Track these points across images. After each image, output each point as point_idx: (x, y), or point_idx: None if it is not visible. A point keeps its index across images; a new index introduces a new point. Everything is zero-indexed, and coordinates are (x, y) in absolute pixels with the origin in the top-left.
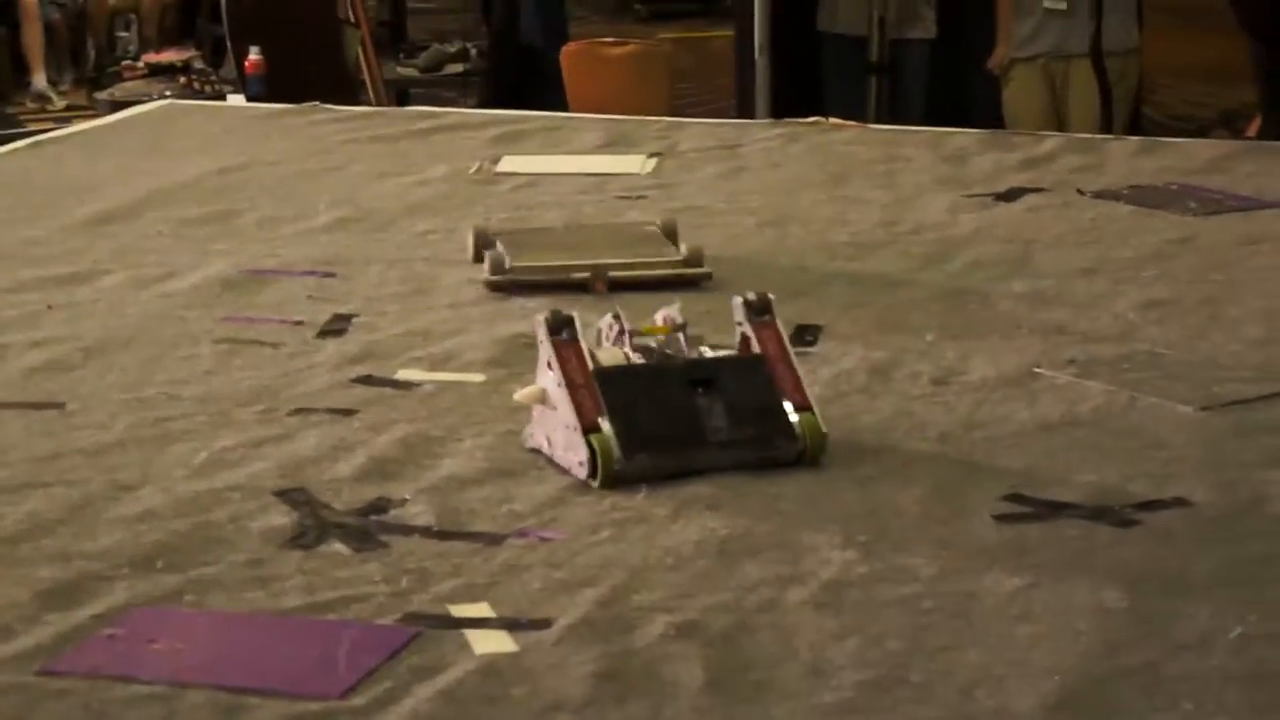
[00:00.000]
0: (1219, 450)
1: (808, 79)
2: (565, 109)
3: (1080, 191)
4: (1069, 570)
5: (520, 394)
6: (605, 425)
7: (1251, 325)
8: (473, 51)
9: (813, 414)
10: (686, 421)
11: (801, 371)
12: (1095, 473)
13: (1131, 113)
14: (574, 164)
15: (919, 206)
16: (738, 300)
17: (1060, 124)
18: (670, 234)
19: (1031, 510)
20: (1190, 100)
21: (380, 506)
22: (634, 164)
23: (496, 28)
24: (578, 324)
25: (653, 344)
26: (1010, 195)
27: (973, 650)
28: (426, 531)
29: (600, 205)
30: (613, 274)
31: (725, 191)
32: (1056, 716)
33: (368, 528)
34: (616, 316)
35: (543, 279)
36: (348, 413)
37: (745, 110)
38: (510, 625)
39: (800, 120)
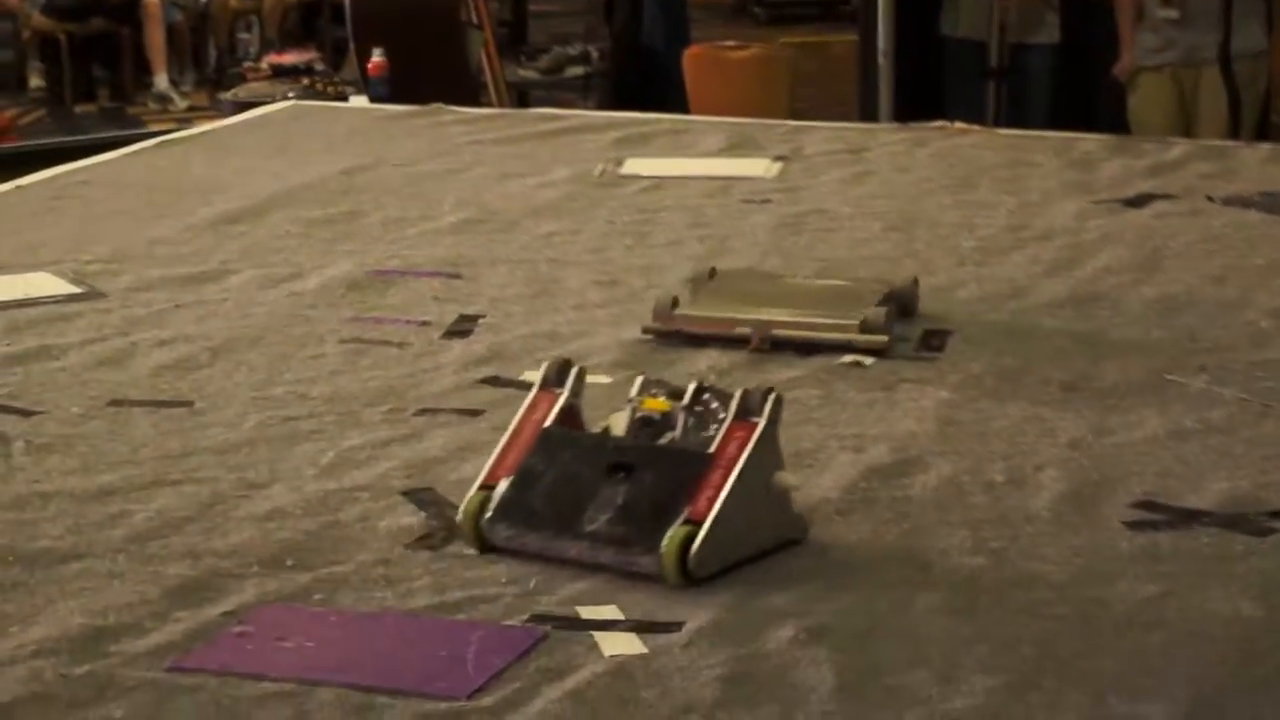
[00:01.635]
0: None
1: (929, 84)
2: (687, 112)
3: (1210, 198)
4: (1202, 578)
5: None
6: (503, 484)
7: None
8: (594, 54)
9: (694, 530)
10: (571, 505)
11: (731, 484)
12: (1228, 480)
13: (1261, 118)
14: (698, 167)
15: (1046, 211)
16: (739, 390)
17: (1188, 131)
18: (902, 298)
19: (1164, 518)
20: None
21: None
22: (759, 167)
23: (618, 30)
24: (572, 376)
25: (650, 416)
26: (1138, 201)
27: (1105, 657)
28: None
29: (724, 209)
30: (777, 333)
31: (851, 196)
32: None
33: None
34: (646, 382)
35: (702, 331)
36: (474, 413)
37: (868, 114)
38: (639, 627)
39: (926, 124)
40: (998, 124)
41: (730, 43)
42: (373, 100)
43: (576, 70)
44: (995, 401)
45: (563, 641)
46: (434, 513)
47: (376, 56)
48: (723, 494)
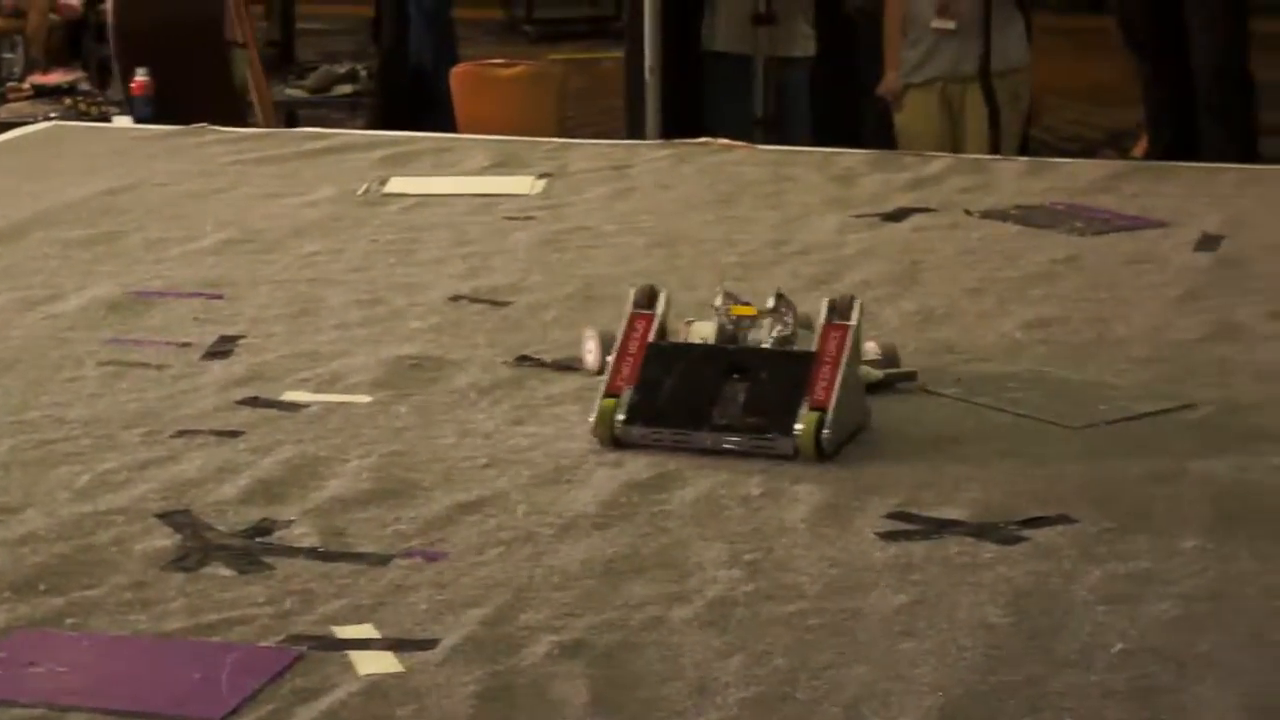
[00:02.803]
0: (1103, 468)
1: (699, 99)
2: (455, 130)
3: (968, 212)
4: (953, 587)
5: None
6: (626, 393)
7: (1137, 344)
8: (362, 73)
9: (823, 414)
10: (700, 403)
11: (842, 374)
12: (980, 490)
13: (1022, 133)
14: (462, 185)
15: (807, 226)
16: (826, 300)
17: (955, 146)
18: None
19: (916, 528)
20: (1078, 121)
21: (265, 528)
22: (523, 185)
23: (385, 49)
24: (662, 299)
25: (736, 323)
26: (898, 215)
27: (858, 666)
28: (311, 553)
29: (488, 226)
30: None
31: (614, 212)
32: None
33: (251, 550)
34: (728, 294)
35: None
36: (233, 434)
37: (635, 131)
38: (395, 646)
39: (689, 141)
40: (760, 140)
41: (498, 60)
42: (136, 120)
43: (344, 89)
44: None
45: (318, 662)
46: (189, 534)
47: (140, 76)
48: (837, 383)
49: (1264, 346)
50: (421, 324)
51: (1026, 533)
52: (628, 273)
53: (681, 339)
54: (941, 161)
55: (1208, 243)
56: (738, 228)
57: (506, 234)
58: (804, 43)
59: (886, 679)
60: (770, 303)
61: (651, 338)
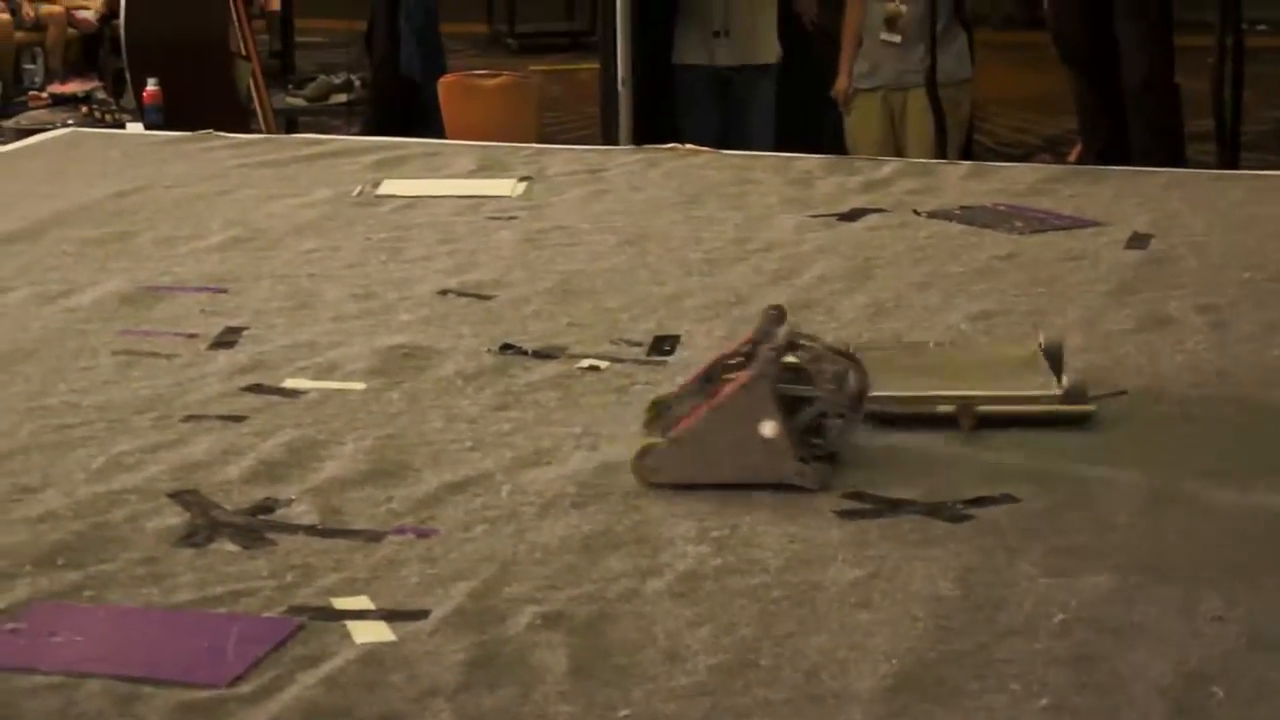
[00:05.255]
0: (1043, 450)
1: (670, 108)
2: (443, 137)
3: (916, 212)
4: (906, 561)
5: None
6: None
7: (1072, 334)
8: (356, 83)
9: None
10: None
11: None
12: (930, 473)
13: (965, 139)
14: (449, 187)
15: (768, 226)
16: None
17: (898, 150)
18: (1055, 357)
19: (871, 506)
20: (1018, 128)
21: (267, 507)
22: (505, 187)
23: (378, 61)
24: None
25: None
26: (852, 216)
27: (817, 636)
28: (310, 530)
29: (473, 226)
30: (983, 409)
31: (590, 213)
32: (894, 696)
33: (255, 527)
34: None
35: (902, 410)
36: (238, 419)
37: (609, 138)
38: (389, 616)
39: (659, 147)
40: (725, 145)
41: (482, 71)
42: (147, 127)
43: (340, 98)
44: None
45: (318, 631)
46: (197, 513)
47: (151, 86)
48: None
49: (1191, 338)
50: (411, 316)
51: (973, 511)
52: (602, 268)
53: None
54: (892, 165)
55: (1137, 241)
56: (703, 227)
57: (490, 233)
58: (766, 52)
59: (844, 647)
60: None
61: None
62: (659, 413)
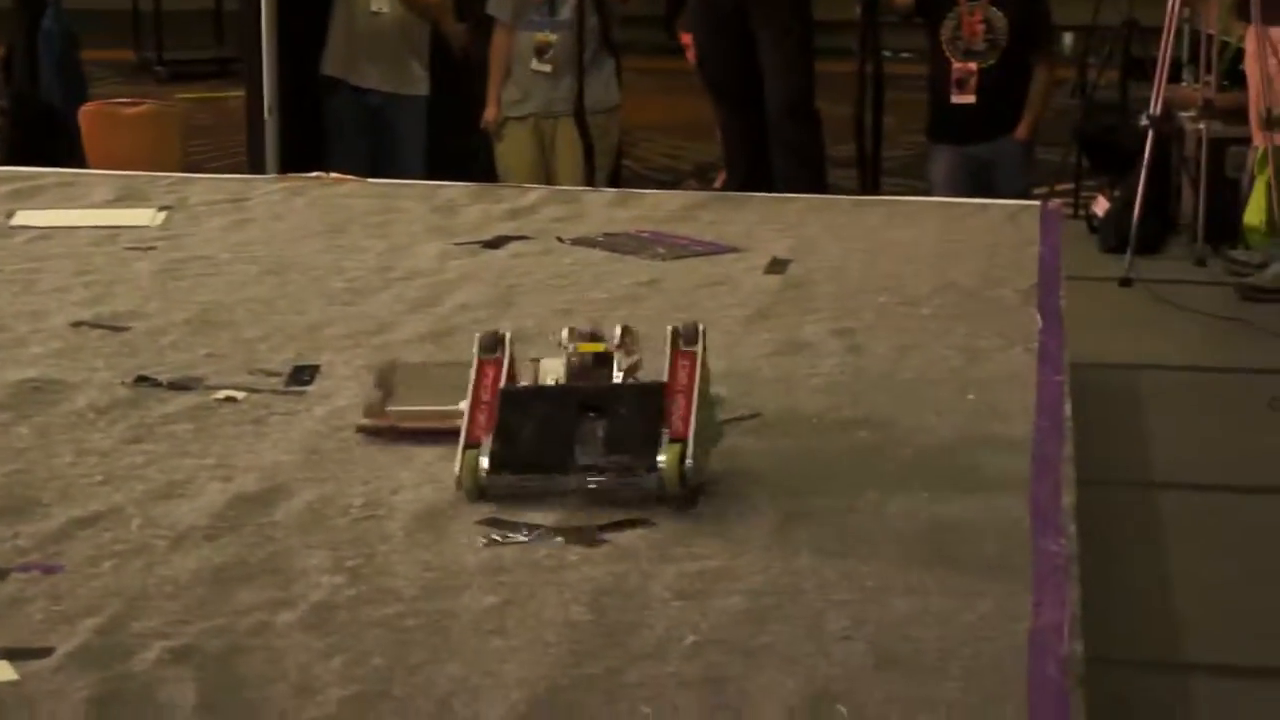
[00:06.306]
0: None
1: (318, 137)
2: (86, 166)
3: (560, 239)
4: (540, 587)
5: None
6: (486, 442)
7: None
8: None
9: (684, 444)
10: (561, 445)
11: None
12: (565, 500)
13: (614, 166)
14: (87, 218)
15: (411, 254)
16: (670, 328)
17: (549, 178)
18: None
19: (507, 534)
20: (668, 154)
21: None
22: (145, 217)
23: (16, 88)
24: (509, 341)
25: (584, 360)
26: (496, 243)
27: (450, 664)
28: None
29: (110, 256)
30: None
31: (231, 242)
32: None
33: None
34: (574, 330)
35: (417, 426)
36: None
37: (256, 166)
38: (10, 655)
39: (303, 175)
40: (374, 174)
41: (124, 99)
42: None
43: None
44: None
45: None
46: None
47: None
48: (693, 413)
49: (826, 361)
50: (43, 349)
51: (609, 535)
52: (241, 298)
53: (531, 380)
54: (537, 193)
55: (776, 266)
56: (345, 255)
57: (128, 263)
58: (417, 83)
59: (477, 675)
60: (616, 338)
61: (502, 382)
62: (474, 469)
